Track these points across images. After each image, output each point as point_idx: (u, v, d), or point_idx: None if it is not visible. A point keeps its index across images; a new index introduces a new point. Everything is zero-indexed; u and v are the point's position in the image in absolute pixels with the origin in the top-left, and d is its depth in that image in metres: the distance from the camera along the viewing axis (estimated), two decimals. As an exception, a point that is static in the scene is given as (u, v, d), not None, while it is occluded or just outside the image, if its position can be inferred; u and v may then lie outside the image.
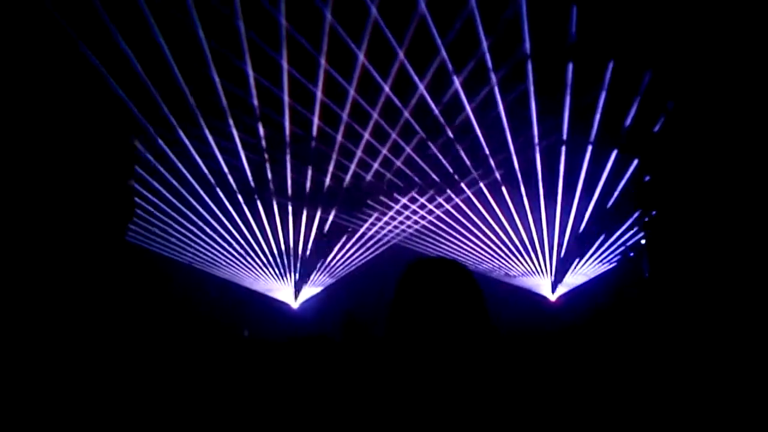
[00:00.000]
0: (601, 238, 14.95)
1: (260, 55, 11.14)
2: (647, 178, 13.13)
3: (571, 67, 11.75)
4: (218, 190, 13.97)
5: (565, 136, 13.21)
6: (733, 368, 6.62)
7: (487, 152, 13.16)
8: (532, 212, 14.78)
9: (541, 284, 16.03)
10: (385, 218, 15.04)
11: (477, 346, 1.94)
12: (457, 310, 1.95)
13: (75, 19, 9.70)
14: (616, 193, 14.33)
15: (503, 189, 14.17)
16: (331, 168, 13.47)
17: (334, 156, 13.13)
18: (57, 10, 9.36)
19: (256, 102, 11.90)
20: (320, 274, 16.19)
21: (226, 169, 13.47)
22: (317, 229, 14.94)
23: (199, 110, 11.95)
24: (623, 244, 14.51)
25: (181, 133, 12.47)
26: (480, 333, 1.97)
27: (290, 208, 14.87)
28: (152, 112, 11.84)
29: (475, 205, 14.66)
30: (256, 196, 14.37)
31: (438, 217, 14.98)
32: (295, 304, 16.62)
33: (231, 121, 12.30)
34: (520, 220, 14.96)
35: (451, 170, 13.62)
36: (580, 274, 15.68)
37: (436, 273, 2.03)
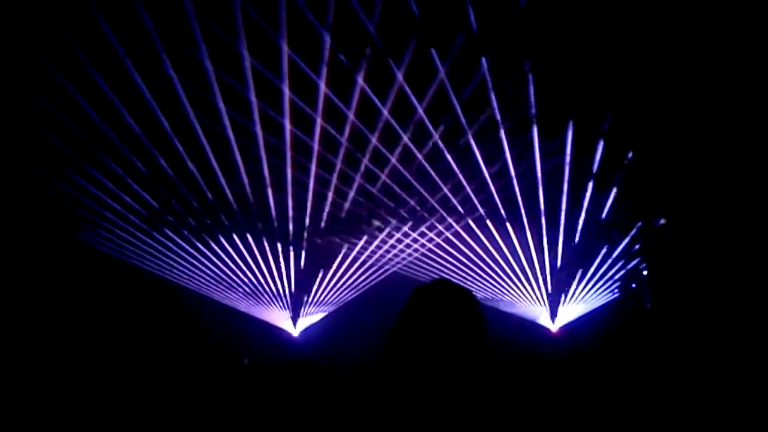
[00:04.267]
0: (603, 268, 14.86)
1: (262, 80, 11.20)
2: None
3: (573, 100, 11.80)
4: (220, 215, 14.01)
5: (567, 164, 13.19)
6: (739, 405, 6.48)
7: (488, 178, 13.13)
8: (533, 241, 14.70)
9: (542, 314, 15.87)
10: (386, 246, 14.98)
11: (474, 370, 1.89)
12: (455, 336, 1.92)
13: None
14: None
15: (504, 216, 14.11)
16: (330, 194, 13.46)
17: (334, 181, 13.13)
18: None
19: (259, 130, 11.98)
20: (322, 302, 16.10)
21: (229, 195, 13.50)
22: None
23: (205, 137, 12.03)
24: (624, 273, 14.39)
25: (187, 160, 12.55)
26: (477, 357, 1.92)
27: (291, 235, 14.84)
28: (157, 137, 11.94)
29: (475, 233, 14.60)
30: (258, 223, 14.39)
31: (438, 245, 14.92)
32: (295, 332, 16.51)
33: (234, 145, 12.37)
34: (522, 248, 14.87)
35: (451, 197, 13.58)
36: (582, 304, 15.53)
37: (437, 298, 2.00)
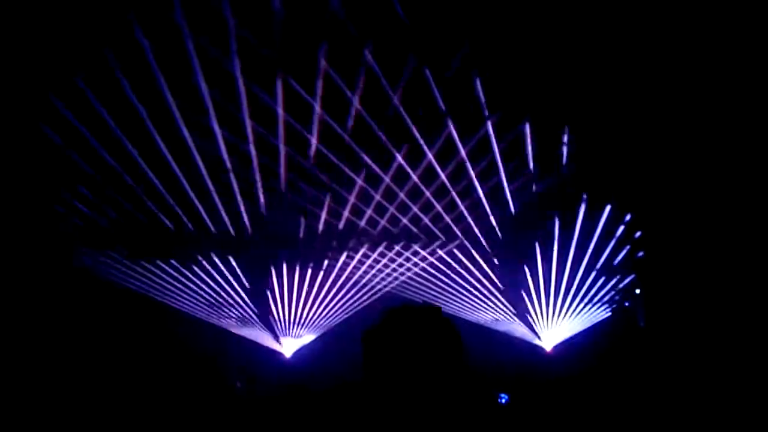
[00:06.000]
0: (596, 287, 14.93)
1: (256, 102, 11.22)
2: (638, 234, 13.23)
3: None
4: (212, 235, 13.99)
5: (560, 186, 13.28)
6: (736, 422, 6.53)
7: (483, 199, 13.19)
8: (528, 261, 14.76)
9: (537, 334, 15.91)
10: (379, 266, 14.98)
11: (452, 392, 1.88)
12: (432, 358, 1.90)
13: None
14: (611, 245, 14.39)
15: (498, 236, 14.15)
16: (323, 215, 13.48)
17: (329, 202, 13.15)
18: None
19: (253, 152, 11.99)
20: (314, 324, 16.06)
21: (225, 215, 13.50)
22: None
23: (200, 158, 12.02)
24: (618, 293, 14.46)
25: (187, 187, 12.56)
26: (455, 380, 1.91)
27: (283, 258, 14.85)
28: (152, 159, 11.92)
29: (470, 253, 14.63)
30: (251, 246, 14.37)
31: (432, 265, 14.94)
32: (287, 354, 16.45)
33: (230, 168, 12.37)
34: (517, 268, 14.92)
35: (446, 217, 13.62)
36: (576, 323, 15.58)
37: (411, 322, 1.99)
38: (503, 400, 10.01)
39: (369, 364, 1.98)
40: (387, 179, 12.51)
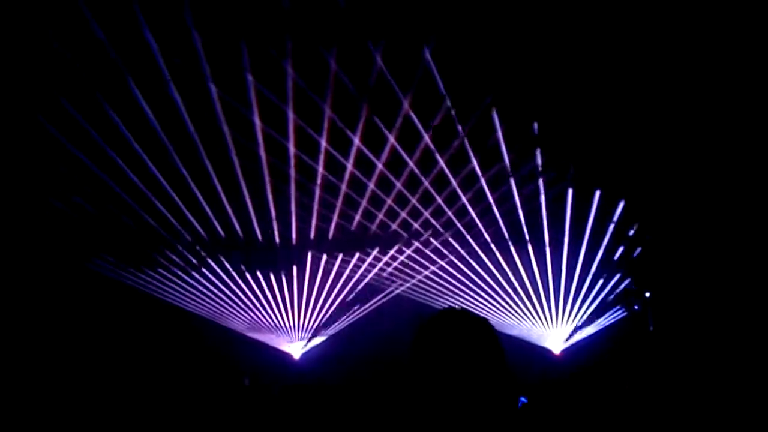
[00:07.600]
0: (605, 290, 14.90)
1: (266, 104, 11.24)
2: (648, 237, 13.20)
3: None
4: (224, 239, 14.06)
5: (570, 187, 13.27)
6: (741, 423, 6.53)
7: (492, 203, 13.19)
8: (537, 263, 14.74)
9: (546, 336, 15.89)
10: (390, 269, 15.01)
11: (496, 398, 1.94)
12: (477, 365, 1.94)
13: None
14: (621, 248, 14.37)
15: (507, 240, 14.16)
16: (335, 217, 13.50)
17: (339, 205, 13.17)
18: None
19: (262, 153, 12.02)
20: (323, 325, 16.10)
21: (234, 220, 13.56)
22: None
23: (208, 159, 12.05)
24: (627, 296, 14.42)
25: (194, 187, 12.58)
26: (499, 386, 1.97)
27: (294, 259, 14.88)
28: (164, 165, 11.96)
29: (480, 257, 14.64)
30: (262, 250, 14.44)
31: (442, 268, 14.95)
32: (297, 354, 16.49)
33: (239, 172, 12.41)
34: (525, 271, 14.91)
35: (456, 222, 13.63)
36: (585, 326, 15.56)
37: (459, 327, 2.04)
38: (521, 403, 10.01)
39: (417, 356, 2.03)
40: (398, 184, 12.55)
